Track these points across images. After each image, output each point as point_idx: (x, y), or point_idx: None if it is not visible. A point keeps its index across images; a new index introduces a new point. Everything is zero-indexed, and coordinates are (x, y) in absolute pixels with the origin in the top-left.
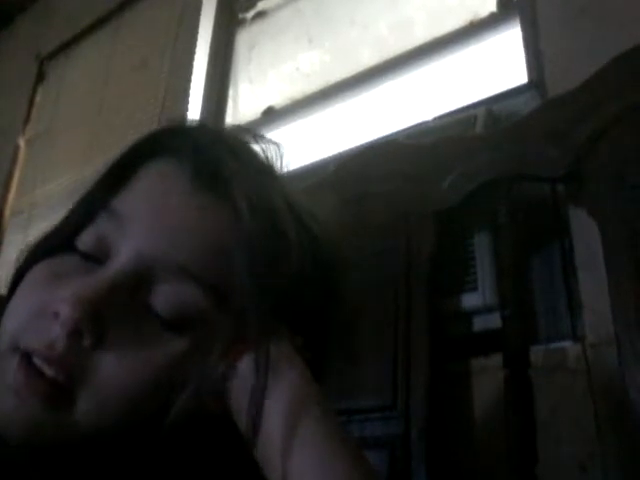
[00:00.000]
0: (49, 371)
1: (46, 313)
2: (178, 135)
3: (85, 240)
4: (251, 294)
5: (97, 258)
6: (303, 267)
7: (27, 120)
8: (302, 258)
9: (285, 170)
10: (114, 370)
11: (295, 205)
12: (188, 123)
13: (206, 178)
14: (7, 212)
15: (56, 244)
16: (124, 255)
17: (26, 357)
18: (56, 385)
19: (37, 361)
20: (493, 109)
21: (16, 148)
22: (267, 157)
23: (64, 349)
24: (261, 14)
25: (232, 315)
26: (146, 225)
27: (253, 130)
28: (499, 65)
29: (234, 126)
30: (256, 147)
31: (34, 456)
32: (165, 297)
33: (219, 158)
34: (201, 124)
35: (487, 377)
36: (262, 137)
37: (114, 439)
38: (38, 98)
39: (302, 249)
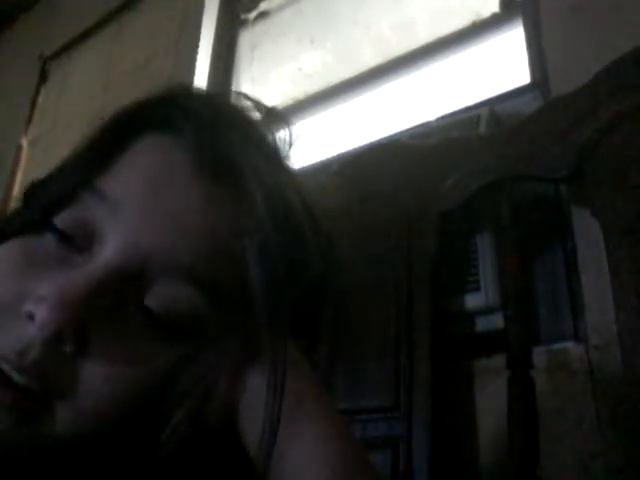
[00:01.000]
0: (20, 379)
1: (17, 311)
2: (178, 105)
3: (65, 219)
4: (267, 302)
5: (78, 243)
6: (317, 268)
7: (30, 120)
8: (317, 259)
9: (295, 156)
10: (98, 380)
11: (306, 199)
12: (189, 90)
13: (213, 162)
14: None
15: (29, 220)
16: (114, 247)
17: None
18: (28, 394)
19: (5, 367)
20: (496, 109)
21: (19, 148)
22: (277, 140)
23: (39, 356)
24: (263, 15)
25: (237, 323)
26: (140, 213)
27: (263, 104)
28: (502, 65)
29: (240, 94)
30: (263, 123)
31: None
32: (160, 299)
33: (228, 140)
34: (204, 93)
35: (489, 378)
36: (273, 114)
37: (99, 453)
38: (41, 98)
39: (317, 249)
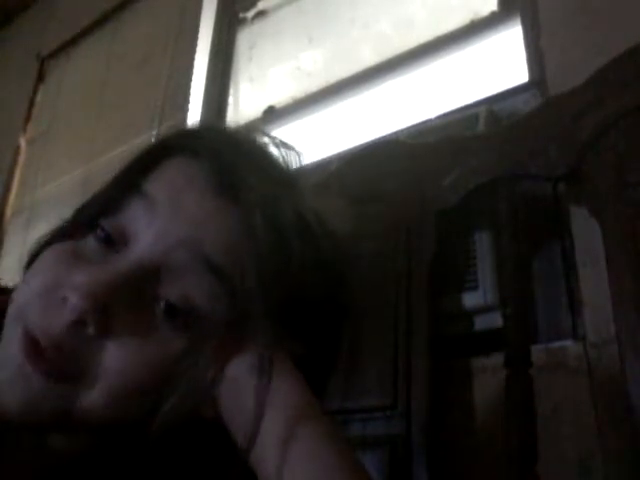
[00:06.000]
0: (51, 355)
1: (56, 294)
2: (200, 137)
3: (110, 222)
4: (258, 302)
5: (117, 245)
6: (304, 278)
7: (28, 120)
8: (303, 269)
9: (300, 177)
10: (116, 361)
11: (305, 214)
12: (210, 126)
13: (223, 184)
14: (8, 212)
15: (76, 226)
16: (143, 244)
17: (30, 335)
18: (57, 366)
19: (42, 342)
20: (494, 108)
21: (17, 148)
22: (284, 164)
23: (66, 336)
24: (262, 13)
25: (229, 319)
26: (166, 218)
27: (274, 136)
28: (500, 64)
29: (255, 129)
30: (275, 152)
31: (32, 438)
32: (174, 292)
33: (236, 166)
34: (222, 128)
35: (488, 376)
36: (282, 143)
37: (108, 433)
38: (39, 98)
39: (306, 261)
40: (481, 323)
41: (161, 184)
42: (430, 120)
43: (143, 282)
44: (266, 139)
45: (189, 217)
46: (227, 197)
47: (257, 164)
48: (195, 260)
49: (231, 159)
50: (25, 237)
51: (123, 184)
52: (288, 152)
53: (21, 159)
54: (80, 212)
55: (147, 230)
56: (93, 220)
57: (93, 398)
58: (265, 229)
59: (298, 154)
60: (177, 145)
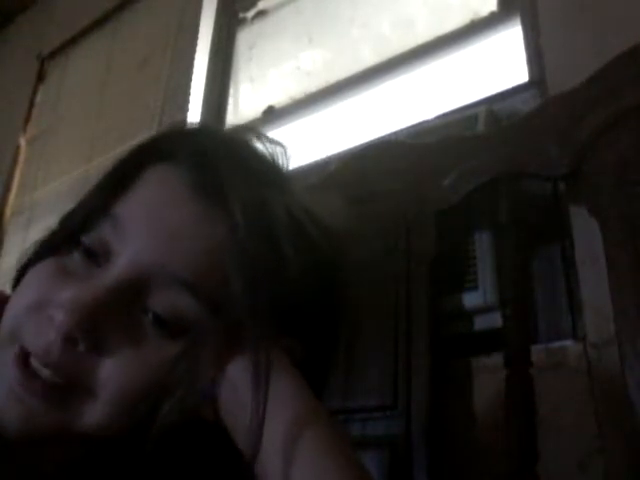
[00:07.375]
0: (46, 373)
1: (44, 312)
2: (178, 140)
3: (89, 238)
4: (245, 305)
5: (100, 259)
6: (300, 279)
7: (28, 120)
8: (299, 270)
9: (290, 171)
10: (111, 373)
11: (297, 214)
12: (190, 127)
13: (203, 186)
14: (8, 212)
15: (60, 241)
16: (122, 262)
17: (23, 355)
18: (54, 385)
19: (34, 362)
20: (494, 108)
21: (17, 148)
22: (273, 161)
23: (60, 354)
24: (261, 13)
25: (225, 323)
26: (144, 233)
27: (259, 132)
28: (500, 64)
29: (239, 127)
30: (262, 149)
31: (31, 450)
32: (160, 303)
33: (217, 165)
34: (203, 127)
35: (488, 376)
36: (268, 139)
37: (108, 441)
38: (39, 98)
39: (299, 262)
40: (481, 323)
41: (134, 204)
42: (430, 120)
43: (129, 294)
44: (253, 137)
45: (162, 236)
46: (208, 201)
47: (241, 163)
48: (169, 279)
49: (213, 160)
50: (25, 237)
51: (99, 202)
52: (276, 150)
53: (21, 159)
54: (63, 224)
55: (122, 253)
56: (75, 235)
57: (94, 411)
58: (250, 230)
59: (286, 151)
60: (156, 151)
